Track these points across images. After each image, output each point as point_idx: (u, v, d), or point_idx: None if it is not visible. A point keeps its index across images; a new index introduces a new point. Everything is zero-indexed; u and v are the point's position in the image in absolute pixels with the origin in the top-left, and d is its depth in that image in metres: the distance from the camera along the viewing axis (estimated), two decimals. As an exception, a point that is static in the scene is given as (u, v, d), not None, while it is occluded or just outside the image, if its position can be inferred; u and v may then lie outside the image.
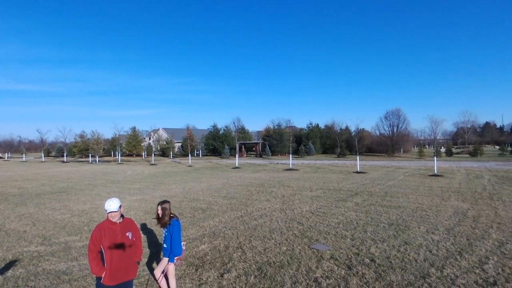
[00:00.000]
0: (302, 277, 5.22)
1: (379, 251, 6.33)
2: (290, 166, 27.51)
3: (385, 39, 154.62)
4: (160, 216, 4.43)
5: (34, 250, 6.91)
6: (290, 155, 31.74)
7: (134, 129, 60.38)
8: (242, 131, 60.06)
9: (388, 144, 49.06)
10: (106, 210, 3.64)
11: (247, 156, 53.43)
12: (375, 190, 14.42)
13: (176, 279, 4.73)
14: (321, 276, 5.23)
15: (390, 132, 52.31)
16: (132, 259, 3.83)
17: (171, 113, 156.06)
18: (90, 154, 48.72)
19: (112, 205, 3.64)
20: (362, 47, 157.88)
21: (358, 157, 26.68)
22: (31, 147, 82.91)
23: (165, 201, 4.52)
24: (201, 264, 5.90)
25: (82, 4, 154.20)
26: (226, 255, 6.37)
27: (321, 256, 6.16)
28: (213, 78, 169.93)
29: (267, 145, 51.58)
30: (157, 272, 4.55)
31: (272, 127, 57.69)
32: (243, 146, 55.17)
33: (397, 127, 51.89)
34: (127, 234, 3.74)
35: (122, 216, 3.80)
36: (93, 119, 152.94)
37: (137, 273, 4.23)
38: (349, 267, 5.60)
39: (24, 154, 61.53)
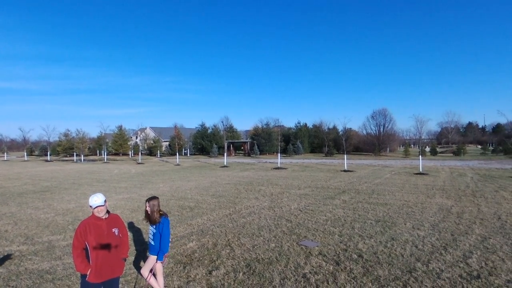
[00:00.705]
0: (291, 273, 5.23)
1: (366, 247, 6.40)
2: (279, 165, 27.58)
3: (372, 40, 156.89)
4: (149, 213, 4.34)
5: (16, 249, 6.71)
6: (279, 154, 31.81)
7: (120, 127, 59.61)
8: (230, 130, 59.88)
9: (375, 143, 49.79)
10: (91, 206, 3.52)
11: (235, 155, 53.33)
12: (362, 188, 14.59)
13: (163, 277, 4.67)
14: (310, 272, 5.25)
15: (377, 131, 53.09)
16: (119, 256, 3.73)
17: (159, 112, 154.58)
18: (75, 153, 47.72)
19: (97, 199, 3.52)
20: (350, 48, 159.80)
21: (345, 156, 26.95)
22: (13, 146, 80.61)
23: (153, 197, 4.43)
24: (189, 262, 5.83)
25: (67, 0, 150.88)
26: (215, 252, 6.32)
27: (309, 252, 6.19)
28: (201, 77, 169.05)
29: (255, 144, 51.58)
30: (145, 270, 4.46)
31: (260, 126, 57.72)
32: (231, 145, 55.06)
33: (384, 126, 52.72)
34: (113, 230, 3.64)
35: (108, 212, 3.71)
36: (78, 118, 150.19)
37: (124, 270, 4.13)
38: (337, 262, 5.64)
39: (5, 153, 59.85)
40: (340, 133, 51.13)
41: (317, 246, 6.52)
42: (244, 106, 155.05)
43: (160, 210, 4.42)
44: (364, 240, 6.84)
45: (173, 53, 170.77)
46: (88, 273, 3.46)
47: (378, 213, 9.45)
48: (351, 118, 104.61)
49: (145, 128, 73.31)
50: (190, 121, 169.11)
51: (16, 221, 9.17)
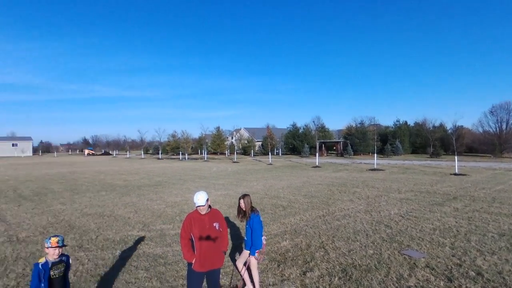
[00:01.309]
0: (393, 284, 4.79)
1: (487, 264, 5.45)
2: (375, 166, 25.83)
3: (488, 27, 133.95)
4: (242, 209, 4.55)
5: (136, 234, 7.79)
6: (375, 155, 29.77)
7: (218, 129, 64.26)
8: (322, 129, 58.79)
9: (495, 143, 42.41)
10: (194, 204, 3.83)
11: (327, 155, 52.06)
12: (479, 194, 12.55)
13: (258, 272, 4.79)
14: (415, 286, 4.71)
15: (497, 129, 45.24)
16: (219, 248, 3.97)
17: (252, 113, 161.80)
18: (180, 152, 53.37)
19: (200, 199, 3.79)
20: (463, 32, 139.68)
21: (456, 157, 23.65)
22: (133, 145, 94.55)
23: (246, 195, 4.64)
24: (283, 260, 5.88)
25: (173, 17, 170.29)
26: (308, 253, 6.23)
27: (414, 263, 5.57)
28: (292, 77, 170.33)
29: (348, 144, 49.44)
30: (239, 263, 4.68)
31: (354, 125, 55.11)
32: (323, 145, 53.93)
33: (507, 123, 44.64)
34: (214, 224, 3.89)
35: (209, 207, 3.97)
36: (183, 120, 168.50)
37: (223, 262, 4.37)
38: (449, 278, 4.93)
39: (128, 152, 70.67)
40: (449, 131, 45.13)
41: (424, 258, 5.82)
42: (336, 104, 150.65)
43: (252, 207, 4.58)
44: (484, 256, 5.84)
45: (262, 54, 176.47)
46: (193, 262, 3.77)
47: (502, 225, 7.98)
48: (463, 114, 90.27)
49: (240, 129, 77.40)
50: (282, 121, 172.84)
51: (136, 210, 10.68)
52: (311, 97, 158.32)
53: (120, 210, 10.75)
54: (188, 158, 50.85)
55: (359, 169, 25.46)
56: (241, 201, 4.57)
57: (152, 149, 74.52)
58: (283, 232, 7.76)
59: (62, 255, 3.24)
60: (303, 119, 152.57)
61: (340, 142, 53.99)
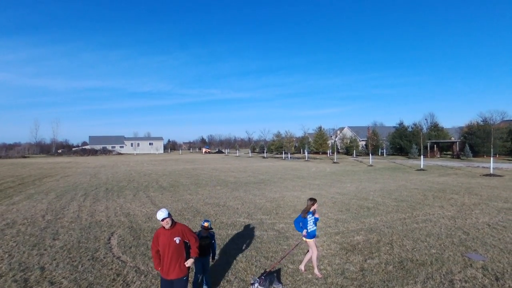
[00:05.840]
0: (439, 276, 5.79)
1: (549, 273, 5.80)
2: (491, 171, 23.27)
3: None
4: (312, 210, 6.19)
5: (242, 221, 10.24)
6: (491, 157, 26.44)
7: (320, 128, 65.18)
8: (434, 128, 53.69)
9: None
10: (159, 220, 4.32)
11: (440, 157, 47.48)
12: None
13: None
14: (459, 280, 5.62)
15: None
16: (180, 260, 4.39)
17: (357, 110, 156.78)
18: (283, 151, 56.54)
19: (161, 214, 4.29)
20: None
21: None
22: (242, 144, 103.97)
23: (315, 200, 6.18)
24: (351, 250, 7.33)
25: (275, 21, 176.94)
26: (376, 247, 7.48)
27: (470, 264, 6.31)
28: (404, 70, 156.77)
29: (466, 144, 44.10)
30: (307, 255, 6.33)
31: (477, 122, 48.63)
32: (435, 145, 49.32)
33: None
34: (174, 239, 4.35)
35: (173, 222, 4.43)
36: (286, 119, 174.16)
37: (186, 273, 4.51)
38: (497, 278, 5.63)
39: (237, 150, 77.99)
40: None
41: (483, 261, 6.45)
42: (458, 98, 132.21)
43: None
44: (552, 267, 6.10)
45: (367, 48, 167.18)
46: (159, 271, 4.51)
47: None
48: None
49: (343, 128, 76.50)
50: (391, 119, 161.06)
51: (243, 203, 13.32)
52: (427, 91, 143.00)
53: (231, 202, 13.56)
54: (290, 157, 53.56)
55: (471, 174, 23.40)
56: (313, 203, 6.17)
57: (258, 148, 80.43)
58: (360, 229, 9.04)
59: (210, 233, 5.35)
60: (416, 116, 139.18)
61: (456, 142, 48.45)
